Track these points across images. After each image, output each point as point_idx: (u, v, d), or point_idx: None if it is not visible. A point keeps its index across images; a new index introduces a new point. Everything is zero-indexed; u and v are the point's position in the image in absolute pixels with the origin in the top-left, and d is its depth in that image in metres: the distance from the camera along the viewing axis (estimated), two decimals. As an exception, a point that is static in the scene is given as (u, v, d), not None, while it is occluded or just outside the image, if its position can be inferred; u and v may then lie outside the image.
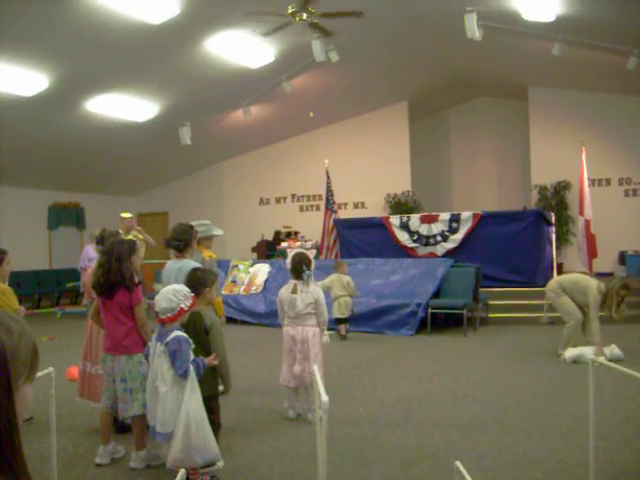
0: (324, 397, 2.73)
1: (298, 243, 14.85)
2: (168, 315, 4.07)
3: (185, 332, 4.13)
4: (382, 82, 15.34)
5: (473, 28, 10.28)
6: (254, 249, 16.26)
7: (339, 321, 10.29)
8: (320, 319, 5.69)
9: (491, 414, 5.69)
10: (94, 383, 5.26)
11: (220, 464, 4.35)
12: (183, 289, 4.20)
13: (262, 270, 12.77)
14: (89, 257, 10.84)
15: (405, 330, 10.54)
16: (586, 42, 11.30)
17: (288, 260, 5.90)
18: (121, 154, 15.66)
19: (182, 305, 4.09)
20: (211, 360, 4.21)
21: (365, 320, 10.93)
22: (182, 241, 5.48)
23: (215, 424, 4.26)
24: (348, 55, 12.23)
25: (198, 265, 5.22)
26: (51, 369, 3.67)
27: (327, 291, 10.71)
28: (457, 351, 8.97)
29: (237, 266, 13.23)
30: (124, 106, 13.04)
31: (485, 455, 4.61)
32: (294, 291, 5.67)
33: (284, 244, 15.42)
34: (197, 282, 4.57)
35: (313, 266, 5.80)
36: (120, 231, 9.52)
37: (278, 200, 18.51)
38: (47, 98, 11.45)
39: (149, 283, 12.31)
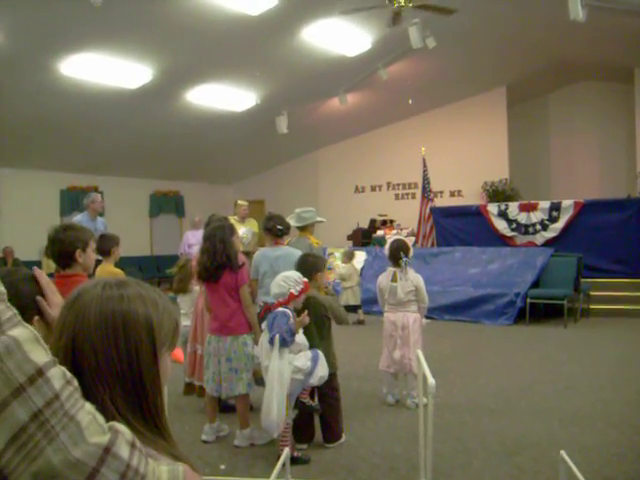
0: (431, 380, 2.74)
1: (394, 231, 14.79)
2: (279, 300, 4.25)
3: None
4: (480, 67, 15.03)
5: (577, 9, 9.89)
6: (349, 237, 16.30)
7: (353, 308, 10.55)
8: (421, 305, 5.71)
9: (594, 406, 5.56)
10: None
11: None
12: (294, 275, 4.34)
13: (358, 258, 12.80)
14: (189, 243, 11.20)
15: (503, 320, 10.38)
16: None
17: (386, 247, 5.93)
18: (219, 143, 16.04)
19: (292, 290, 4.23)
20: (303, 318, 4.26)
21: (462, 309, 10.85)
22: (286, 227, 5.52)
23: (337, 399, 4.80)
24: (445, 41, 12.04)
25: (299, 252, 5.23)
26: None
27: (338, 281, 10.67)
28: (557, 342, 8.76)
29: (333, 254, 13.32)
30: (223, 96, 13.34)
31: (589, 447, 4.52)
32: (394, 279, 5.69)
33: (380, 232, 15.40)
34: (310, 267, 4.69)
35: (411, 253, 5.81)
36: (236, 218, 9.76)
37: (373, 188, 18.49)
38: (150, 90, 11.86)
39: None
